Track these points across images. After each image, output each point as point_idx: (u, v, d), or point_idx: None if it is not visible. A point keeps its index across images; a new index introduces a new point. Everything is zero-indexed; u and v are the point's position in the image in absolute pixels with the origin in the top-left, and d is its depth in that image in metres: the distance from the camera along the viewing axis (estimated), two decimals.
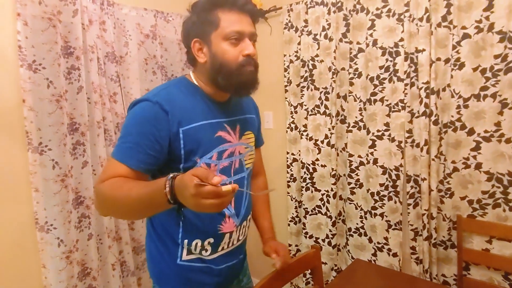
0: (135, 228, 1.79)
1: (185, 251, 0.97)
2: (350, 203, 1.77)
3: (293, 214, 1.99)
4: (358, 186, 1.72)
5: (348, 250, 1.80)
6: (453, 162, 1.43)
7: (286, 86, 1.94)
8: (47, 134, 1.43)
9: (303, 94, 1.86)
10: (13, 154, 1.39)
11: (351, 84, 1.68)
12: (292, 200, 1.99)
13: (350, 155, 1.72)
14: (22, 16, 1.34)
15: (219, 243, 0.99)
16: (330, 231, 1.82)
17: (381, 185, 1.62)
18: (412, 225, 1.54)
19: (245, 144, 1.04)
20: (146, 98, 0.88)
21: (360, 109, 1.66)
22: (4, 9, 1.34)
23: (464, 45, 1.35)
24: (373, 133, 1.62)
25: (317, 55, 1.77)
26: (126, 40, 1.72)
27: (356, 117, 1.68)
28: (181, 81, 0.98)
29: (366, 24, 1.59)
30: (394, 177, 1.57)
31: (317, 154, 1.85)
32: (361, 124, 1.67)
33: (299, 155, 1.92)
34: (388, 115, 1.57)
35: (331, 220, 1.81)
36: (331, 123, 1.75)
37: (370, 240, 1.69)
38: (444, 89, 1.41)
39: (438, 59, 1.40)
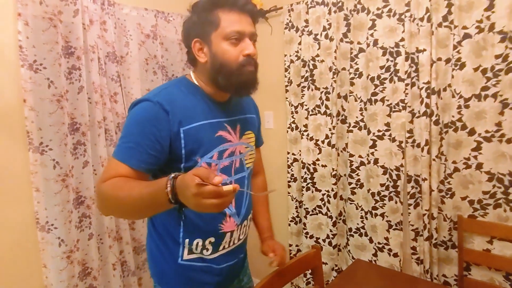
0: (136, 228, 1.79)
1: (186, 251, 0.97)
2: (350, 203, 1.77)
3: (293, 214, 1.99)
4: (358, 186, 1.72)
5: (349, 250, 1.80)
6: (454, 162, 1.43)
7: (286, 86, 1.94)
8: (48, 134, 1.44)
9: (304, 94, 1.86)
10: (14, 154, 1.39)
11: (352, 84, 1.68)
12: (292, 200, 1.99)
13: (351, 155, 1.72)
14: (23, 16, 1.34)
15: (220, 243, 0.99)
16: (331, 231, 1.82)
17: (381, 185, 1.62)
18: (412, 225, 1.54)
19: (246, 144, 1.04)
20: (147, 98, 0.88)
21: (361, 109, 1.66)
22: (5, 9, 1.34)
23: (465, 45, 1.34)
24: (373, 133, 1.62)
25: (317, 55, 1.77)
26: (127, 40, 1.72)
27: (356, 117, 1.68)
28: (181, 81, 0.98)
29: (366, 24, 1.59)
30: (394, 177, 1.57)
31: (318, 154, 1.85)
32: (361, 124, 1.67)
33: (300, 155, 1.92)
34: (389, 115, 1.57)
35: (331, 220, 1.81)
36: (331, 123, 1.75)
37: (371, 240, 1.69)
38: (445, 89, 1.41)
39: (439, 59, 1.40)
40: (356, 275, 1.29)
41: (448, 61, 1.39)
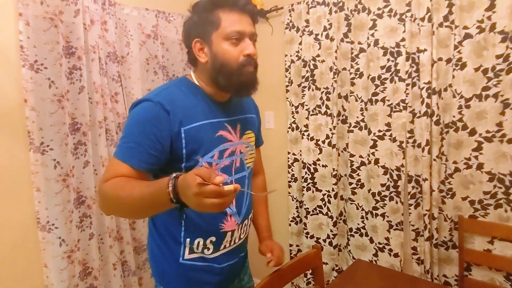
0: (136, 228, 1.79)
1: (187, 250, 0.97)
2: (351, 203, 1.76)
3: (294, 214, 1.99)
4: (359, 186, 1.72)
5: (349, 250, 1.80)
6: (455, 162, 1.43)
7: (287, 86, 1.94)
8: (49, 134, 1.44)
9: (304, 94, 1.86)
10: (14, 154, 1.39)
11: (353, 84, 1.68)
12: (293, 200, 1.99)
13: (351, 155, 1.72)
14: (24, 16, 1.34)
15: (221, 242, 0.99)
16: (331, 231, 1.82)
17: (382, 185, 1.62)
18: (413, 225, 1.54)
19: (246, 144, 1.05)
20: (148, 98, 0.89)
21: (362, 109, 1.66)
22: (6, 9, 1.34)
23: (465, 45, 1.34)
24: (374, 133, 1.62)
25: (318, 55, 1.77)
26: (128, 40, 1.72)
27: (357, 117, 1.68)
28: (182, 81, 0.98)
29: (367, 24, 1.59)
30: (395, 177, 1.57)
31: (318, 154, 1.85)
32: (362, 124, 1.67)
33: (300, 155, 1.92)
34: (390, 115, 1.57)
35: (332, 220, 1.81)
36: (332, 123, 1.75)
37: (371, 241, 1.69)
38: (445, 89, 1.41)
39: (440, 59, 1.40)
40: (357, 275, 1.29)
41: (449, 61, 1.39)
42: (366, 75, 1.62)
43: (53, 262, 1.46)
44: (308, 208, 1.92)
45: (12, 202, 1.39)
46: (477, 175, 1.38)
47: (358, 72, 1.65)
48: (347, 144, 1.74)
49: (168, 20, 1.89)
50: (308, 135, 1.87)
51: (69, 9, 1.45)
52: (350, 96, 1.69)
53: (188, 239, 0.96)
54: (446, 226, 1.48)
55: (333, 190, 1.79)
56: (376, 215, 1.65)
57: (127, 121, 0.90)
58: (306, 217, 1.94)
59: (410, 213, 1.54)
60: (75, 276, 1.52)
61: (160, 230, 1.00)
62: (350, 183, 1.74)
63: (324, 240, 1.87)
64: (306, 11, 1.79)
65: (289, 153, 1.98)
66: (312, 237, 1.93)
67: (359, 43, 1.63)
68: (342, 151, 1.78)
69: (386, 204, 1.61)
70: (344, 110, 1.73)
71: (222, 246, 1.00)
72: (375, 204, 1.65)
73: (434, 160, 1.43)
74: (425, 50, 1.40)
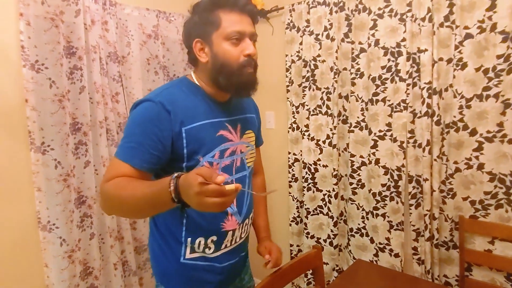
0: (137, 228, 1.79)
1: (188, 250, 0.98)
2: (351, 204, 1.76)
3: (294, 214, 1.99)
4: (359, 186, 1.71)
5: (350, 251, 1.79)
6: (455, 162, 1.42)
7: (288, 86, 1.94)
8: (50, 134, 1.44)
9: (305, 94, 1.86)
10: (15, 154, 1.39)
11: (353, 84, 1.68)
12: (293, 200, 1.99)
13: (352, 155, 1.72)
14: (25, 16, 1.35)
15: (222, 241, 1.00)
16: (332, 231, 1.82)
17: (383, 185, 1.61)
18: (414, 225, 1.54)
19: (246, 143, 1.05)
20: (149, 98, 0.89)
21: (362, 109, 1.66)
22: (6, 9, 1.34)
23: (466, 45, 1.34)
24: (375, 133, 1.62)
25: (319, 55, 1.77)
26: (128, 40, 1.72)
27: (358, 117, 1.68)
28: (182, 81, 0.98)
29: (368, 24, 1.58)
30: (396, 177, 1.57)
31: (319, 154, 1.85)
32: (363, 124, 1.67)
33: (301, 155, 1.92)
34: (390, 115, 1.56)
35: (332, 220, 1.81)
36: (332, 123, 1.75)
37: (372, 241, 1.69)
38: (446, 89, 1.41)
39: (441, 59, 1.39)
40: (357, 275, 1.29)
41: (449, 61, 1.38)
42: (366, 75, 1.62)
43: (53, 262, 1.46)
44: (308, 208, 1.92)
45: (13, 202, 1.39)
46: (478, 175, 1.38)
47: (359, 72, 1.65)
48: (347, 144, 1.74)
49: (168, 20, 1.89)
50: (309, 135, 1.87)
51: (70, 9, 1.45)
52: (351, 96, 1.69)
53: (189, 239, 0.97)
54: (446, 226, 1.48)
55: (333, 190, 1.79)
56: (377, 215, 1.65)
57: (128, 121, 0.90)
58: (306, 217, 1.94)
59: (411, 213, 1.54)
60: (76, 276, 1.52)
61: (161, 229, 1.00)
62: (351, 183, 1.74)
63: (325, 240, 1.87)
64: (306, 11, 1.79)
65: (289, 153, 1.98)
66: (312, 237, 1.93)
67: (360, 43, 1.63)
68: (342, 151, 1.78)
69: (386, 204, 1.61)
70: (345, 110, 1.73)
71: (223, 246, 1.00)
72: (376, 204, 1.65)
73: (435, 160, 1.43)
74: (426, 50, 1.40)
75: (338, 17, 1.66)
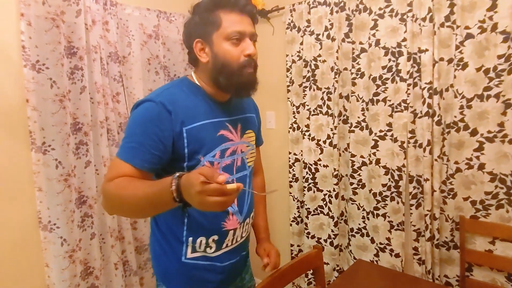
0: (138, 228, 1.79)
1: (189, 249, 0.98)
2: (352, 204, 1.76)
3: (295, 214, 1.99)
4: (360, 186, 1.71)
5: (350, 251, 1.79)
6: (456, 162, 1.42)
7: (288, 86, 1.94)
8: (51, 134, 1.44)
9: (306, 94, 1.86)
10: (16, 154, 1.39)
11: (354, 84, 1.68)
12: (294, 200, 1.99)
13: (353, 155, 1.72)
14: (26, 16, 1.35)
15: (223, 240, 1.00)
16: (332, 231, 1.82)
17: (383, 185, 1.61)
18: (414, 225, 1.54)
19: (247, 143, 1.05)
20: (149, 98, 0.89)
21: (363, 109, 1.66)
22: (7, 9, 1.35)
23: (467, 45, 1.34)
24: (375, 133, 1.62)
25: (319, 55, 1.77)
26: (129, 40, 1.72)
27: (358, 117, 1.68)
28: (183, 81, 0.99)
29: (368, 24, 1.58)
30: (396, 177, 1.57)
31: (319, 154, 1.85)
32: (363, 124, 1.67)
33: (301, 155, 1.92)
34: (391, 115, 1.56)
35: (333, 220, 1.81)
36: (333, 123, 1.75)
37: (372, 241, 1.69)
38: (447, 89, 1.41)
39: (441, 59, 1.39)
40: (358, 276, 1.29)
41: (450, 61, 1.38)
42: (367, 75, 1.62)
43: (54, 261, 1.46)
44: (309, 208, 1.92)
45: (13, 202, 1.39)
46: (479, 176, 1.37)
47: (359, 72, 1.65)
48: (348, 144, 1.74)
49: (169, 20, 1.89)
50: (309, 135, 1.87)
51: (71, 9, 1.45)
52: (351, 96, 1.69)
53: (190, 238, 0.97)
54: (447, 226, 1.48)
55: (334, 190, 1.79)
56: (377, 215, 1.65)
57: (129, 121, 0.90)
58: (307, 217, 1.94)
59: (411, 213, 1.54)
60: (77, 276, 1.52)
61: (163, 229, 1.00)
62: (351, 183, 1.74)
63: (325, 240, 1.87)
64: (307, 11, 1.79)
65: (290, 153, 1.98)
66: (313, 237, 1.93)
67: (360, 43, 1.63)
68: (343, 151, 1.78)
69: (387, 204, 1.61)
70: (345, 110, 1.73)
71: (224, 245, 1.01)
72: (376, 204, 1.65)
73: (436, 160, 1.43)
74: (427, 50, 1.40)
75: (338, 17, 1.66)
